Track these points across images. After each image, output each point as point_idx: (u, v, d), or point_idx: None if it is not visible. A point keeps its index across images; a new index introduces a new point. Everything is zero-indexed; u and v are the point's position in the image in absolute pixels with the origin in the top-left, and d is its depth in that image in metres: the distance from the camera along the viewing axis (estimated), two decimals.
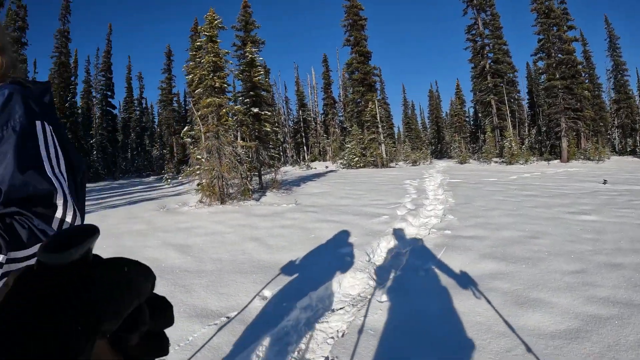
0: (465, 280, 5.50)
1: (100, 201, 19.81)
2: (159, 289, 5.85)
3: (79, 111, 47.76)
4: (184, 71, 17.26)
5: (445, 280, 5.62)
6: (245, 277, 6.15)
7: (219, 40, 16.06)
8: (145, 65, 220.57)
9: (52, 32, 44.44)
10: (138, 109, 56.51)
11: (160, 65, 55.06)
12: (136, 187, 29.30)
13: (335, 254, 7.22)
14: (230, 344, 4.14)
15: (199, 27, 16.68)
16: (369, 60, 42.63)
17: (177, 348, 4.13)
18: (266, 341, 4.14)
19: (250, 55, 19.56)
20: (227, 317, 4.72)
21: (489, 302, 4.75)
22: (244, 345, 4.07)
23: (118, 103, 58.25)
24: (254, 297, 5.33)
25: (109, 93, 51.35)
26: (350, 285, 5.70)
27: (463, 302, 4.81)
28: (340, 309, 4.96)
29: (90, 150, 46.86)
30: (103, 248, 8.94)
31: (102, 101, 50.78)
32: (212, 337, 4.29)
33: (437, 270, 6.01)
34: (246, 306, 5.06)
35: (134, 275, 0.42)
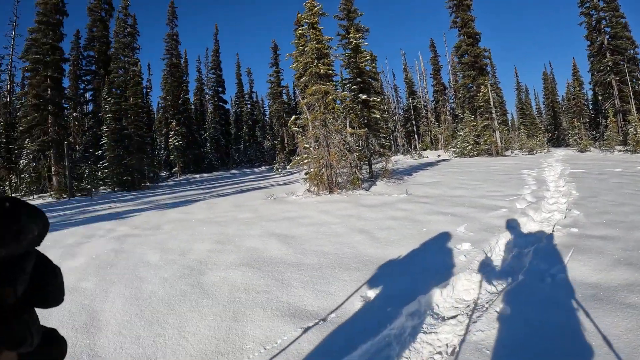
0: (597, 292, 4.53)
1: (210, 190, 20.46)
2: (256, 282, 5.53)
3: (192, 107, 51.41)
4: (289, 59, 17.08)
5: (574, 289, 4.68)
6: (348, 273, 5.67)
7: (320, 27, 15.80)
8: (253, 61, 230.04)
9: (162, 37, 48.08)
10: (249, 102, 58.61)
11: (268, 60, 56.77)
12: (247, 177, 30.21)
13: (448, 251, 6.47)
14: (322, 353, 3.70)
15: (300, 15, 16.41)
16: (478, 42, 40.53)
17: (262, 351, 3.79)
18: (364, 352, 3.63)
19: (354, 41, 19.19)
20: (323, 320, 4.28)
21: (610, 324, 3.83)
22: (338, 356, 3.59)
23: (229, 98, 62.40)
24: (356, 297, 4.83)
25: (220, 89, 54.92)
26: (464, 289, 5.00)
27: (596, 320, 3.88)
28: (452, 317, 4.29)
29: (204, 143, 49.72)
30: (207, 236, 8.96)
31: (214, 97, 54.52)
32: (301, 341, 3.87)
33: (564, 277, 5.06)
34: (346, 307, 4.57)
35: (12, 210, 0.39)
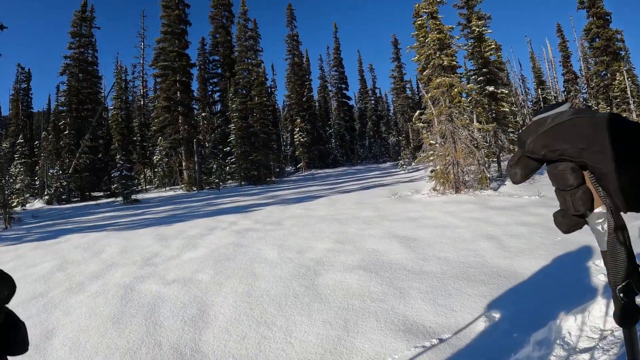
0: None
1: (334, 186, 20.58)
2: (372, 288, 5.30)
3: (316, 104, 53.47)
4: (409, 51, 16.68)
5: None
6: (473, 286, 5.17)
7: (440, 16, 15.19)
8: (374, 57, 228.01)
9: (283, 38, 50.28)
10: (372, 98, 58.72)
11: (389, 55, 56.28)
12: (371, 173, 30.14)
13: (585, 268, 5.57)
14: None
15: (417, 6, 15.85)
16: (608, 23, 36.38)
17: None
18: None
19: (477, 29, 18.22)
20: (441, 340, 3.86)
21: None
22: None
23: (353, 94, 63.05)
24: (479, 316, 4.32)
25: (343, 86, 55.78)
26: (600, 315, 4.12)
27: None
28: (585, 350, 3.57)
29: (329, 139, 51.12)
30: (326, 234, 8.89)
31: (337, 94, 55.55)
32: None
33: None
34: (467, 328, 4.09)
35: None
